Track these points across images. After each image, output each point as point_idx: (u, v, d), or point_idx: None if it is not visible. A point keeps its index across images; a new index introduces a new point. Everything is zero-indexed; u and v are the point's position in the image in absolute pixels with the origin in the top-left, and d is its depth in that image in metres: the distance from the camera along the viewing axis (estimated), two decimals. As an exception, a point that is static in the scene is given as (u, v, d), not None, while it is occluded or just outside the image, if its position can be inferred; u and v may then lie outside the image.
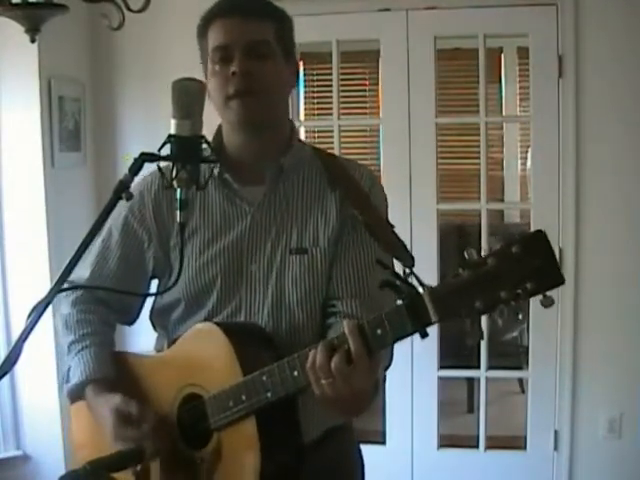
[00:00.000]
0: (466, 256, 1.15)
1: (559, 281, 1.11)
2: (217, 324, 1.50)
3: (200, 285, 1.58)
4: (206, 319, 1.57)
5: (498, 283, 1.12)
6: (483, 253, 1.14)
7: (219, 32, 1.54)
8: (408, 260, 1.46)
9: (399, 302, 1.23)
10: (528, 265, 1.11)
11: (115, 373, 1.62)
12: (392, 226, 1.61)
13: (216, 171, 1.55)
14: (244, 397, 1.39)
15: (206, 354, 1.49)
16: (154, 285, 1.71)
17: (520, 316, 1.15)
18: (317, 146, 1.72)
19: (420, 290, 1.21)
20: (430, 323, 1.20)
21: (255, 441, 1.39)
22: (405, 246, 1.52)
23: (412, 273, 1.28)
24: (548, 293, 1.11)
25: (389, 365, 1.57)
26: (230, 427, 1.43)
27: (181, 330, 1.60)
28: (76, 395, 1.61)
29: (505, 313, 1.13)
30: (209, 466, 1.46)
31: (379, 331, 1.24)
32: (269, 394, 1.36)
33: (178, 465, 1.50)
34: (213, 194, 1.59)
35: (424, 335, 1.22)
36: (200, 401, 1.47)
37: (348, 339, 1.25)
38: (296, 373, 1.33)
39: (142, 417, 1.47)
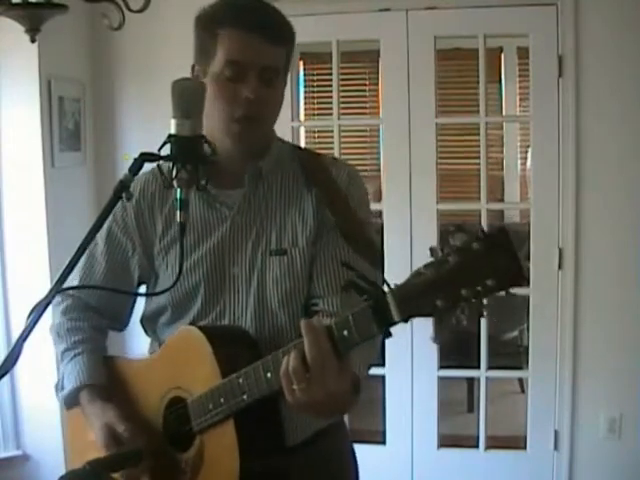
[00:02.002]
0: (430, 254, 1.14)
1: (520, 278, 1.09)
2: (199, 327, 1.51)
3: (185, 291, 1.58)
4: (192, 323, 1.57)
5: (459, 280, 1.10)
6: (446, 250, 1.12)
7: (236, 46, 1.50)
8: (376, 262, 1.46)
9: (364, 303, 1.21)
10: (489, 262, 1.09)
11: (107, 378, 1.63)
12: (369, 223, 1.61)
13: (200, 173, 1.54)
14: (222, 400, 1.40)
15: (187, 357, 1.50)
16: (143, 291, 1.72)
17: (485, 313, 1.12)
18: (296, 144, 1.71)
19: (384, 290, 1.19)
20: (393, 323, 1.18)
21: (233, 443, 1.40)
22: (376, 248, 1.52)
23: (382, 275, 1.26)
24: (512, 290, 1.10)
25: (373, 361, 1.54)
26: (211, 430, 1.44)
27: (168, 334, 1.61)
28: (71, 402, 1.62)
29: (467, 311, 1.11)
30: (192, 469, 1.47)
31: (345, 332, 1.22)
32: (245, 396, 1.37)
33: (164, 468, 1.51)
34: (192, 200, 1.57)
35: (387, 335, 1.21)
36: (183, 404, 1.48)
37: (312, 342, 1.23)
38: (269, 375, 1.33)
39: (131, 440, 1.49)
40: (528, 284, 3.53)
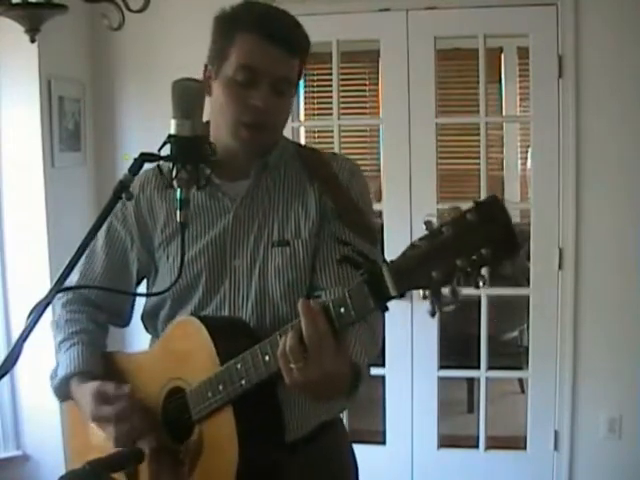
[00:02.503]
0: (425, 227, 1.13)
1: (514, 246, 1.09)
2: (197, 317, 1.51)
3: (185, 282, 1.58)
4: (191, 315, 1.57)
5: (453, 251, 1.10)
6: (441, 222, 1.12)
7: (253, 51, 1.49)
8: (376, 243, 1.47)
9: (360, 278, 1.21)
10: (483, 231, 1.08)
11: (102, 369, 1.63)
12: (370, 214, 1.63)
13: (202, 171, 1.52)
14: (221, 387, 1.40)
15: (187, 347, 1.50)
16: (143, 286, 1.72)
17: (481, 283, 1.10)
18: (299, 142, 1.72)
19: (379, 264, 1.19)
20: (390, 297, 1.18)
21: (232, 433, 1.40)
22: (377, 233, 1.52)
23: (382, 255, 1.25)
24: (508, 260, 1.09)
25: (374, 353, 1.53)
26: (209, 418, 1.44)
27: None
28: (62, 390, 1.62)
29: (463, 282, 1.10)
30: (191, 458, 1.47)
31: (342, 309, 1.22)
32: (243, 381, 1.37)
33: (164, 458, 1.51)
34: (195, 191, 1.58)
35: (384, 310, 1.20)
36: (182, 394, 1.48)
37: (309, 321, 1.23)
38: (267, 358, 1.33)
39: (118, 395, 1.49)
40: (528, 284, 3.54)
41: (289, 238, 1.56)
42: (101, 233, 1.67)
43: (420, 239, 1.13)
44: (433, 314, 1.14)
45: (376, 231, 1.60)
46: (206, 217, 1.60)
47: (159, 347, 1.60)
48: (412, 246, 1.14)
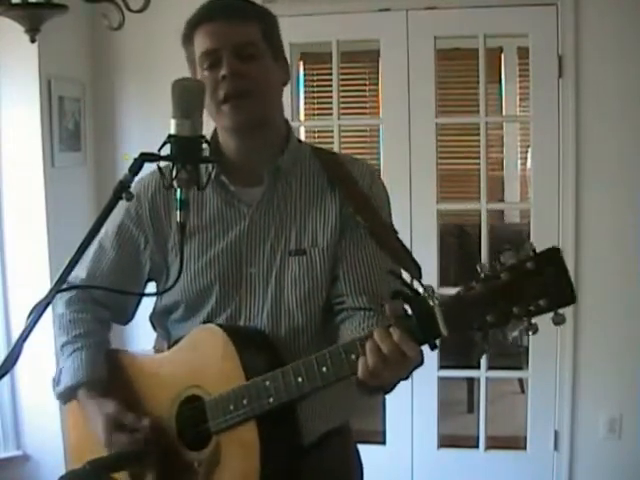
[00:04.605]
0: (479, 269, 1.15)
1: (572, 300, 1.13)
2: (220, 326, 1.50)
3: (199, 288, 1.57)
4: (205, 321, 1.56)
5: (511, 298, 1.13)
6: (497, 267, 1.15)
7: (205, 37, 1.53)
8: (414, 269, 1.46)
9: (409, 313, 1.23)
10: (542, 282, 1.12)
11: (108, 375, 1.61)
12: (396, 232, 1.62)
13: (213, 173, 1.51)
14: (245, 401, 1.39)
15: (208, 356, 1.49)
16: (150, 287, 1.70)
17: (531, 333, 1.16)
18: (316, 145, 1.71)
19: (431, 302, 1.20)
20: (440, 335, 1.20)
21: (255, 447, 1.39)
22: (410, 254, 1.52)
23: (420, 283, 1.27)
24: (560, 310, 1.13)
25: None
26: (230, 431, 1.43)
27: (180, 331, 1.60)
28: (67, 397, 1.61)
29: (516, 329, 1.14)
30: (206, 469, 1.46)
31: None
32: (271, 399, 1.37)
33: (175, 467, 1.50)
34: (210, 196, 1.58)
35: (433, 347, 1.22)
36: (200, 403, 1.47)
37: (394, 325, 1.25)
38: (300, 379, 1.34)
39: (136, 425, 1.48)
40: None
41: (306, 247, 1.54)
42: (112, 232, 1.65)
43: (476, 281, 1.15)
44: (481, 354, 1.17)
45: (402, 245, 1.60)
46: (222, 223, 1.58)
47: (176, 353, 1.58)
48: (468, 287, 1.16)
